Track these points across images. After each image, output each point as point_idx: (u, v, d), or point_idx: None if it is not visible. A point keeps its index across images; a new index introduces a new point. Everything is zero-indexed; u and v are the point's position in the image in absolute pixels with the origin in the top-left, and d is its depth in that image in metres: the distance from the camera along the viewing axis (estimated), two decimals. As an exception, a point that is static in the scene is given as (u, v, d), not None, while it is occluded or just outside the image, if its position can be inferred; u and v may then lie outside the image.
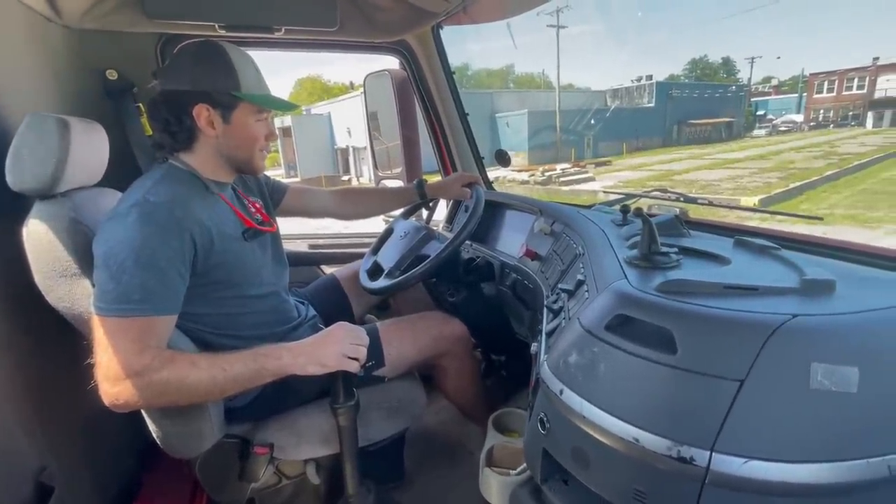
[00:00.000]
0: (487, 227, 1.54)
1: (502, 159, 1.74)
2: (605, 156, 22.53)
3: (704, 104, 29.64)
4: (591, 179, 15.49)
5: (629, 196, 1.38)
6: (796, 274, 0.61)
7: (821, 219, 0.98)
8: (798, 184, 11.72)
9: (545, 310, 0.87)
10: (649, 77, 29.56)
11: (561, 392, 0.61)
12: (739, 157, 19.33)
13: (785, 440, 0.47)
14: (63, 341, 0.96)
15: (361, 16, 1.52)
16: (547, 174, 15.54)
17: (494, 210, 1.54)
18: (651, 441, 0.51)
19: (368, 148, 2.04)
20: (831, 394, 0.47)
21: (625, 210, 0.99)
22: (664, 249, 0.72)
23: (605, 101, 30.24)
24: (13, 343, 0.87)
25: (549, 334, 0.76)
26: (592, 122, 24.04)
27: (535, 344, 0.83)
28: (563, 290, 0.81)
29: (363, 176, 20.81)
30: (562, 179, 15.04)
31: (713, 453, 0.48)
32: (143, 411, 0.87)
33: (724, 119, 29.93)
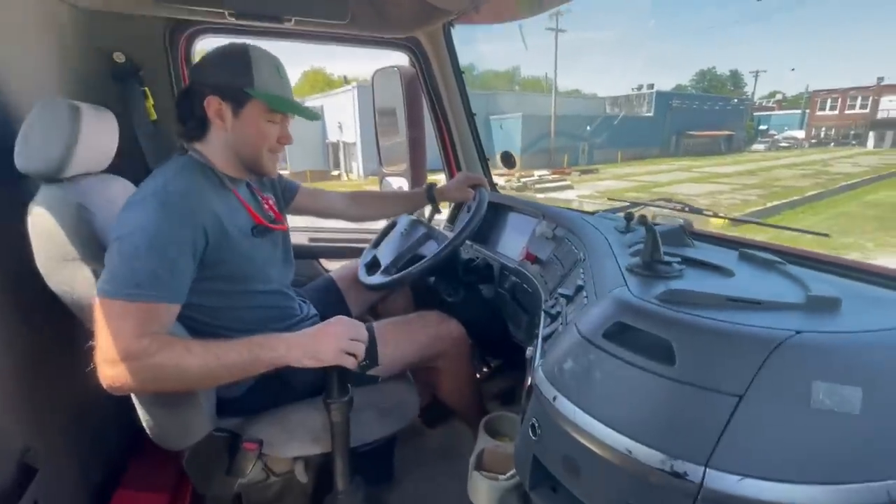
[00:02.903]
0: (489, 228, 1.53)
1: (507, 162, 1.73)
2: (601, 163, 22.39)
3: (705, 116, 29.59)
4: (570, 187, 15.35)
5: (634, 204, 1.37)
6: (801, 290, 0.60)
7: (828, 235, 0.96)
8: (776, 203, 11.44)
9: (543, 314, 0.85)
10: (650, 86, 29.44)
11: (554, 398, 0.60)
12: (729, 171, 19.06)
13: (782, 459, 0.46)
14: (57, 325, 0.96)
15: (373, 10, 1.51)
16: (523, 180, 15.31)
17: (497, 212, 1.53)
18: (644, 453, 0.50)
19: (374, 143, 2.03)
20: (833, 414, 0.45)
21: (629, 217, 0.98)
22: (667, 259, 0.71)
23: (605, 108, 30.13)
24: (6, 322, 0.86)
25: (546, 339, 0.75)
26: (589, 128, 23.95)
27: (531, 348, 0.81)
28: (562, 295, 0.80)
29: (352, 172, 20.62)
30: (537, 186, 14.84)
31: (707, 469, 0.46)
32: (134, 400, 0.86)
33: (724, 132, 29.83)
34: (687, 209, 1.22)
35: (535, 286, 1.10)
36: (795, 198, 12.11)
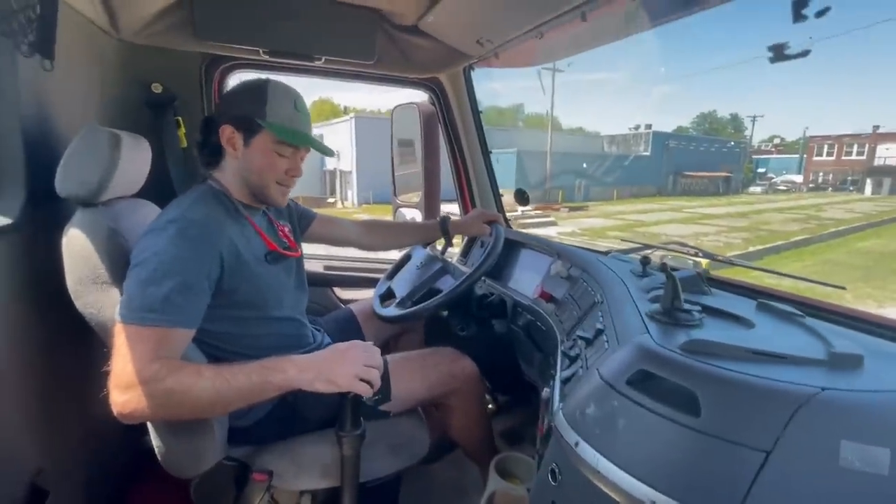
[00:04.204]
0: (503, 264, 1.54)
1: (521, 198, 1.76)
2: (596, 201, 22.45)
3: (703, 157, 29.95)
4: (553, 224, 15.18)
5: (647, 246, 1.39)
6: (823, 345, 0.61)
7: (844, 288, 0.97)
8: (760, 247, 10.95)
9: (560, 355, 0.86)
10: (648, 126, 29.83)
11: (576, 444, 0.60)
12: (719, 213, 18.74)
13: (811, 519, 0.45)
14: (78, 347, 0.97)
15: (398, 52, 1.58)
16: (507, 215, 15.08)
17: (511, 248, 1.55)
18: (669, 506, 0.50)
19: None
20: (861, 474, 0.46)
21: (645, 261, 1.00)
22: (687, 307, 0.72)
23: (603, 146, 30.57)
24: (30, 341, 0.87)
25: (565, 382, 0.75)
26: (585, 165, 24.24)
27: (548, 389, 0.81)
28: (581, 338, 0.81)
29: (347, 199, 21.08)
30: (519, 222, 14.72)
31: (735, 526, 0.46)
32: (149, 426, 0.86)
33: (721, 173, 30.11)
34: (700, 254, 1.24)
35: (550, 325, 1.10)
36: (780, 242, 11.66)
